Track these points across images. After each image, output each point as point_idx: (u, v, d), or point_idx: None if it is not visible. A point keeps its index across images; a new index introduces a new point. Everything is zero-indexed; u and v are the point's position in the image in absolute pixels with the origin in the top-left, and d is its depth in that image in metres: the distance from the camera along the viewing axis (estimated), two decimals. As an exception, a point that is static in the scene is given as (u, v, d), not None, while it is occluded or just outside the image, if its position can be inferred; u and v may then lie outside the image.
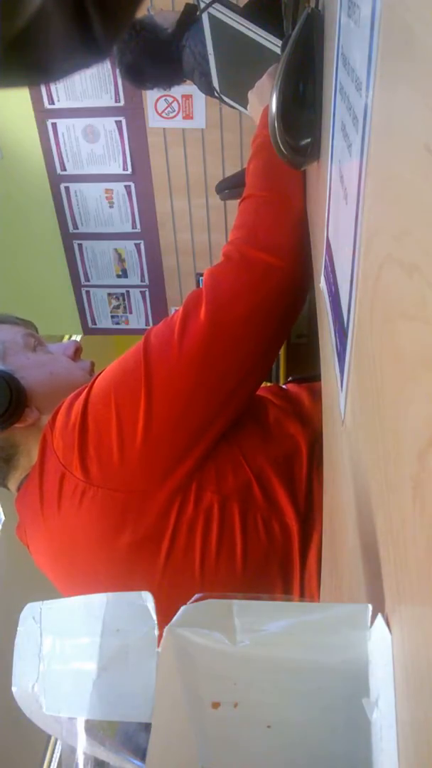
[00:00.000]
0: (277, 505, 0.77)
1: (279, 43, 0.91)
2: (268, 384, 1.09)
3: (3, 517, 2.40)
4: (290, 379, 1.04)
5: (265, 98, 0.96)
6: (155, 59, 1.54)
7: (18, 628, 0.33)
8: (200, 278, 2.81)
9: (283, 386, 1.01)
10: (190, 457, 0.75)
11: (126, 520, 0.73)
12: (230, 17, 0.97)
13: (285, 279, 0.79)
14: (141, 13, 1.28)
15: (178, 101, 2.67)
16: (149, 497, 0.74)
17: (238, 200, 0.90)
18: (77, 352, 0.97)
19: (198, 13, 1.09)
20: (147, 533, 0.74)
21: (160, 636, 0.27)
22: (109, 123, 2.77)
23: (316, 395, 0.93)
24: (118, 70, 1.65)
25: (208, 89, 1.37)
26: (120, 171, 2.91)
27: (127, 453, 0.73)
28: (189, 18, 1.47)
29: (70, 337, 4.25)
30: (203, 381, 0.76)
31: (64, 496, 0.74)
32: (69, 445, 0.74)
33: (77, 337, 4.21)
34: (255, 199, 0.85)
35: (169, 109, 2.69)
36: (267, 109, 0.88)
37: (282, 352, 2.63)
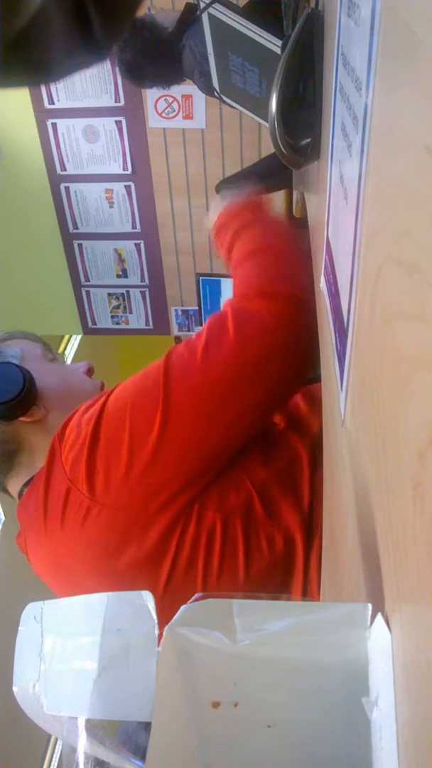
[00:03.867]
0: (280, 518, 0.76)
1: (279, 43, 0.91)
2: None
3: (3, 517, 2.40)
4: None
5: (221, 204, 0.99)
6: (155, 58, 1.54)
7: (19, 628, 0.33)
8: (200, 278, 2.81)
9: None
10: (199, 483, 0.75)
11: (128, 539, 0.73)
12: (230, 17, 0.97)
13: (313, 314, 0.78)
14: (141, 12, 1.28)
15: (178, 101, 2.67)
16: (152, 518, 0.73)
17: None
18: (90, 371, 0.99)
19: (198, 12, 1.09)
20: (148, 553, 0.73)
21: (161, 635, 0.27)
22: (109, 123, 2.77)
23: (312, 399, 0.93)
24: (117, 69, 1.65)
25: (207, 89, 1.37)
26: (120, 171, 2.91)
27: (135, 474, 0.72)
28: (189, 17, 1.47)
29: (70, 337, 4.25)
30: (221, 412, 0.75)
31: (68, 512, 0.74)
32: (77, 458, 0.74)
33: (77, 337, 4.22)
34: (258, 255, 0.85)
35: (169, 109, 2.69)
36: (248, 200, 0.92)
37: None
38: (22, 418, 0.83)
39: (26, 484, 0.83)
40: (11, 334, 0.97)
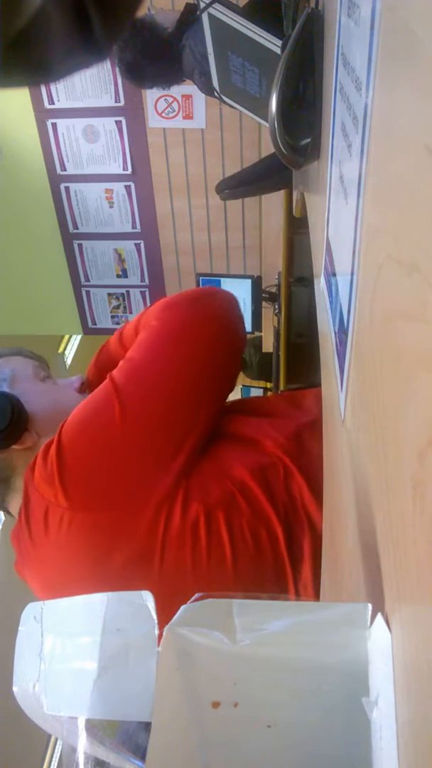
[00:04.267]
0: (262, 512, 0.78)
1: (279, 43, 0.90)
2: (268, 386, 1.10)
3: (3, 517, 2.40)
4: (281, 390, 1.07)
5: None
6: (155, 58, 1.53)
7: (19, 628, 0.33)
8: (200, 278, 2.81)
9: (266, 396, 1.05)
10: (173, 469, 0.77)
11: (116, 539, 0.74)
12: (230, 17, 0.97)
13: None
14: (141, 12, 1.28)
15: (178, 101, 2.67)
16: (136, 513, 0.75)
17: (238, 200, 0.92)
18: (83, 385, 1.00)
19: (198, 12, 1.09)
20: (137, 550, 0.75)
21: (160, 635, 0.27)
22: (109, 123, 2.77)
23: (293, 401, 0.96)
24: (117, 69, 1.65)
25: (207, 89, 1.37)
26: (120, 171, 2.91)
27: (110, 473, 0.75)
28: (189, 17, 1.47)
29: (70, 337, 4.25)
30: (178, 393, 0.80)
31: (50, 528, 0.76)
32: (49, 480, 0.76)
33: (77, 337, 4.21)
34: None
35: (169, 109, 2.69)
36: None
37: (282, 352, 2.63)
38: (14, 446, 0.85)
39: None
40: (3, 351, 0.98)
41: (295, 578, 0.77)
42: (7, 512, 0.90)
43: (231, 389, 0.91)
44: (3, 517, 2.40)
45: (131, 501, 0.75)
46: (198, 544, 0.75)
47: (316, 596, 0.70)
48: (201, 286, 2.74)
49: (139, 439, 0.76)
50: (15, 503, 0.87)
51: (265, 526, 0.77)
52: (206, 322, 0.86)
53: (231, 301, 0.94)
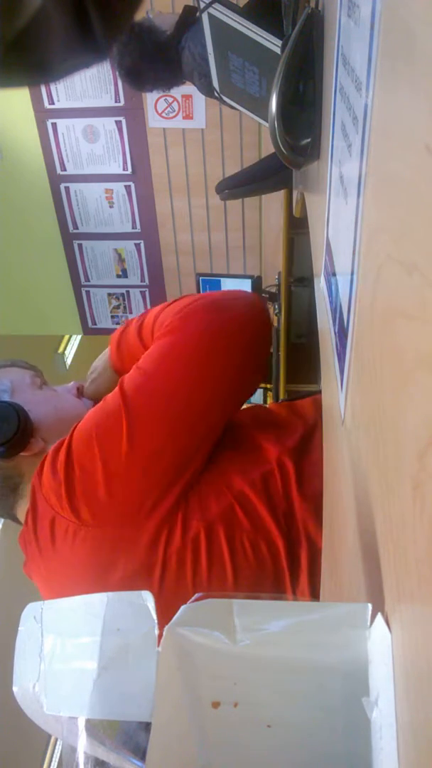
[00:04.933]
0: (262, 525, 0.78)
1: (279, 43, 0.90)
2: (268, 387, 1.10)
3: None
4: (280, 400, 1.06)
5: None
6: (154, 61, 1.53)
7: (19, 628, 0.33)
8: (200, 278, 2.81)
9: (265, 406, 1.04)
10: (177, 486, 0.77)
11: (117, 555, 0.75)
12: (230, 17, 0.97)
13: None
14: (140, 15, 1.28)
15: (178, 101, 2.67)
16: (137, 530, 0.75)
17: (238, 200, 0.90)
18: (79, 390, 1.01)
19: (198, 13, 1.09)
20: (138, 567, 0.75)
21: (161, 635, 0.27)
22: (109, 123, 2.77)
23: (296, 412, 0.94)
24: (117, 74, 1.65)
25: (207, 90, 1.37)
26: (120, 171, 2.91)
27: (114, 489, 0.75)
28: (187, 20, 1.47)
29: (70, 337, 4.25)
30: (186, 412, 0.78)
31: (56, 538, 0.76)
32: (56, 490, 0.76)
33: (77, 337, 4.21)
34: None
35: (169, 109, 2.69)
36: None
37: (282, 352, 2.63)
38: (22, 454, 0.86)
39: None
40: None
41: (293, 588, 0.77)
42: (15, 519, 0.90)
43: (247, 398, 0.90)
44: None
45: (135, 518, 0.75)
46: (198, 561, 0.75)
47: (314, 600, 0.71)
48: (201, 285, 2.74)
49: (144, 459, 0.76)
50: (22, 509, 0.87)
51: (265, 538, 0.77)
52: (223, 339, 0.81)
53: (255, 307, 0.87)
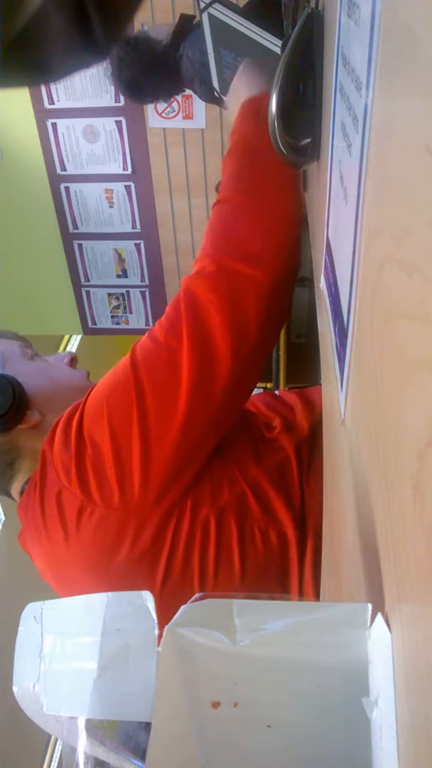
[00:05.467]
0: (274, 515, 0.77)
1: (279, 43, 0.91)
2: (268, 386, 1.09)
3: (3, 517, 2.40)
4: (287, 388, 1.05)
5: (243, 91, 0.91)
6: (153, 73, 1.53)
7: (19, 628, 0.33)
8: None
9: (276, 393, 1.02)
10: (188, 471, 0.75)
11: (123, 537, 0.74)
12: (230, 17, 0.97)
13: (262, 289, 0.75)
14: (137, 22, 1.28)
15: (178, 101, 2.67)
16: (146, 514, 0.74)
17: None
18: (72, 361, 0.98)
19: (198, 13, 1.09)
20: (144, 549, 0.74)
21: (161, 635, 0.27)
22: (109, 123, 2.77)
23: (307, 399, 0.93)
24: (117, 89, 1.65)
25: (208, 96, 1.37)
26: (120, 171, 2.90)
27: (125, 471, 0.73)
28: (184, 28, 1.47)
29: (70, 337, 4.25)
30: (194, 396, 0.74)
31: (63, 513, 0.75)
32: (67, 464, 0.74)
33: (77, 337, 4.21)
34: (229, 204, 0.81)
35: (169, 109, 2.69)
36: (246, 102, 0.86)
37: (282, 352, 2.64)
38: (19, 426, 0.84)
39: (27, 482, 0.84)
40: None
41: (300, 578, 0.77)
42: (8, 495, 0.89)
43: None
44: (3, 517, 2.40)
45: (145, 502, 0.74)
46: (207, 547, 0.75)
47: (316, 595, 0.70)
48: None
49: (159, 440, 0.73)
50: (18, 484, 0.86)
51: (276, 527, 0.77)
52: (233, 329, 0.74)
53: (267, 291, 0.76)
